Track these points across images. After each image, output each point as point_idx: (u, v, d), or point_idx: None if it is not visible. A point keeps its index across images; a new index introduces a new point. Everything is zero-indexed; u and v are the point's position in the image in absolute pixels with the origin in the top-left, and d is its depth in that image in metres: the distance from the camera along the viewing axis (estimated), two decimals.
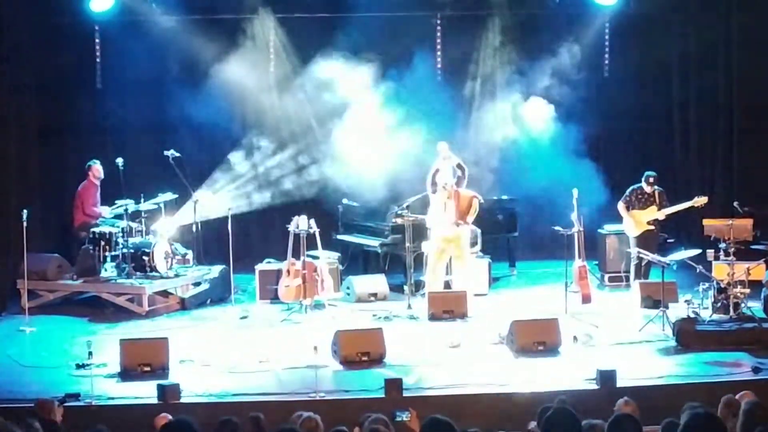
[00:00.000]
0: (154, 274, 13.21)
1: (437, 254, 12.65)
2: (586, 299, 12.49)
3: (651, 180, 13.21)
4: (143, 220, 13.63)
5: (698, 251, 12.23)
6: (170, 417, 7.14)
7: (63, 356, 10.83)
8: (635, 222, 13.26)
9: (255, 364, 10.41)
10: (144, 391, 9.45)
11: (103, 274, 13.30)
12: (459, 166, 12.71)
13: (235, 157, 15.01)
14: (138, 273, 13.18)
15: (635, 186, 13.39)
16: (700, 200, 13.08)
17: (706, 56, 15.47)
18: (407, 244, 13.10)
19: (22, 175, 13.96)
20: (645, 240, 13.13)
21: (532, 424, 6.85)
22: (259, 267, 13.59)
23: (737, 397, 6.88)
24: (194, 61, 14.77)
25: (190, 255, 14.07)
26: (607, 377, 9.43)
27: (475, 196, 12.80)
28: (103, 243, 13.29)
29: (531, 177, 14.87)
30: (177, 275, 13.56)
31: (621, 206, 13.39)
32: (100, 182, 13.85)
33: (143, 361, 10.11)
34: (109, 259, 13.35)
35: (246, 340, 11.57)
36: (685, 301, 11.62)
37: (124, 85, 15.04)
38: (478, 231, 13.60)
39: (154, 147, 14.47)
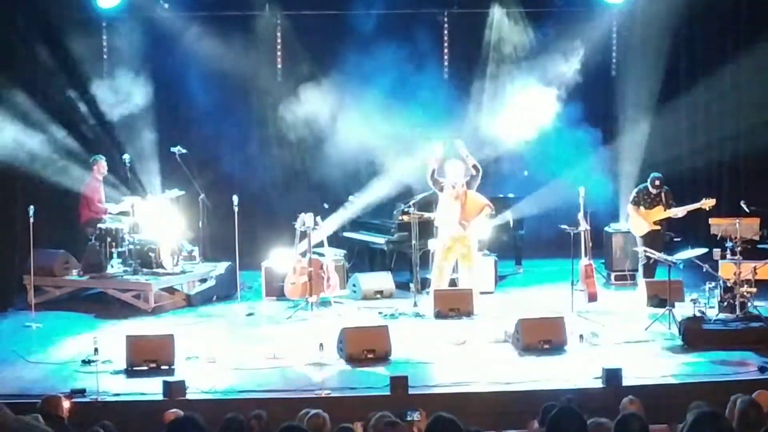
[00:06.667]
0: (160, 270, 13.24)
1: (444, 252, 12.63)
2: (593, 298, 12.48)
3: (657, 183, 13.22)
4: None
5: (705, 250, 12.22)
6: (180, 413, 7.15)
7: (69, 352, 10.84)
8: (643, 221, 13.24)
9: (261, 361, 10.42)
10: (149, 388, 9.46)
11: (110, 270, 13.34)
12: (474, 166, 12.67)
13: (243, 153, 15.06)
14: (144, 269, 13.21)
15: (641, 186, 13.41)
16: (708, 202, 13.05)
17: (713, 55, 15.44)
18: (413, 242, 13.10)
19: (29, 171, 13.98)
20: (651, 239, 13.12)
21: (535, 424, 6.84)
22: (265, 264, 13.60)
23: (755, 396, 6.83)
24: (200, 57, 14.78)
25: (196, 251, 14.09)
26: (612, 376, 9.41)
27: (488, 205, 12.75)
28: (109, 239, 13.33)
29: (538, 175, 14.86)
30: (183, 272, 13.60)
31: (630, 207, 13.41)
32: (105, 178, 13.87)
33: (149, 357, 10.12)
34: (115, 255, 13.39)
35: (252, 337, 11.59)
36: (692, 300, 11.60)
37: (131, 81, 15.06)
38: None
39: (161, 143, 14.49)
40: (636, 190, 13.45)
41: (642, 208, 13.27)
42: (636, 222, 13.37)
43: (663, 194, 13.25)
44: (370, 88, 14.41)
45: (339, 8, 15.32)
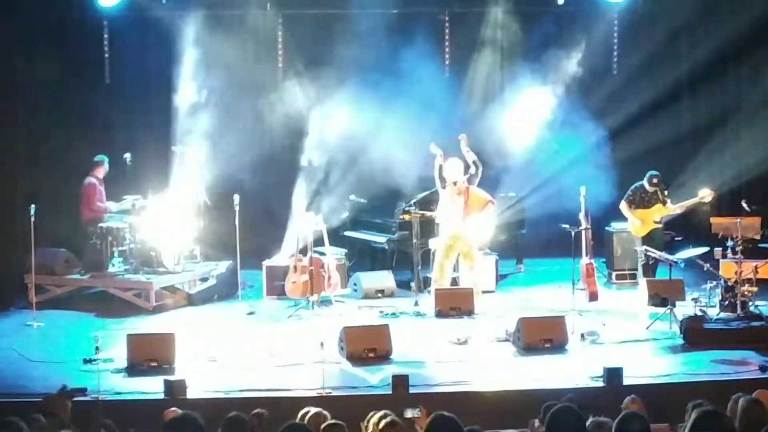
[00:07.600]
0: (161, 269, 13.24)
1: (445, 251, 12.61)
2: (593, 297, 12.47)
3: (655, 181, 13.17)
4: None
5: (706, 249, 12.21)
6: (180, 411, 7.14)
7: (70, 351, 10.85)
8: (642, 221, 13.22)
9: (261, 360, 10.42)
10: (150, 387, 9.47)
11: (111, 269, 13.34)
12: (474, 162, 12.65)
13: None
14: (145, 268, 13.21)
15: (637, 184, 13.36)
16: (706, 193, 13.00)
17: (714, 54, 15.43)
18: (414, 241, 13.09)
19: (31, 170, 13.99)
20: (652, 238, 13.10)
21: (536, 423, 6.84)
22: (266, 263, 13.60)
23: (756, 395, 6.82)
24: (202, 56, 14.76)
25: (197, 250, 14.08)
26: (613, 375, 9.41)
27: (491, 201, 12.74)
28: (110, 238, 13.33)
29: (538, 174, 14.84)
30: (184, 271, 13.59)
31: (623, 205, 13.37)
32: (105, 177, 13.86)
33: (150, 356, 10.13)
34: (116, 254, 13.38)
35: (253, 335, 11.59)
36: (693, 299, 11.60)
37: (133, 80, 15.07)
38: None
39: (162, 142, 14.48)
40: (632, 188, 13.40)
41: (637, 207, 13.24)
42: (634, 222, 13.34)
43: (659, 192, 13.22)
44: (371, 87, 14.39)
45: (341, 7, 15.30)
